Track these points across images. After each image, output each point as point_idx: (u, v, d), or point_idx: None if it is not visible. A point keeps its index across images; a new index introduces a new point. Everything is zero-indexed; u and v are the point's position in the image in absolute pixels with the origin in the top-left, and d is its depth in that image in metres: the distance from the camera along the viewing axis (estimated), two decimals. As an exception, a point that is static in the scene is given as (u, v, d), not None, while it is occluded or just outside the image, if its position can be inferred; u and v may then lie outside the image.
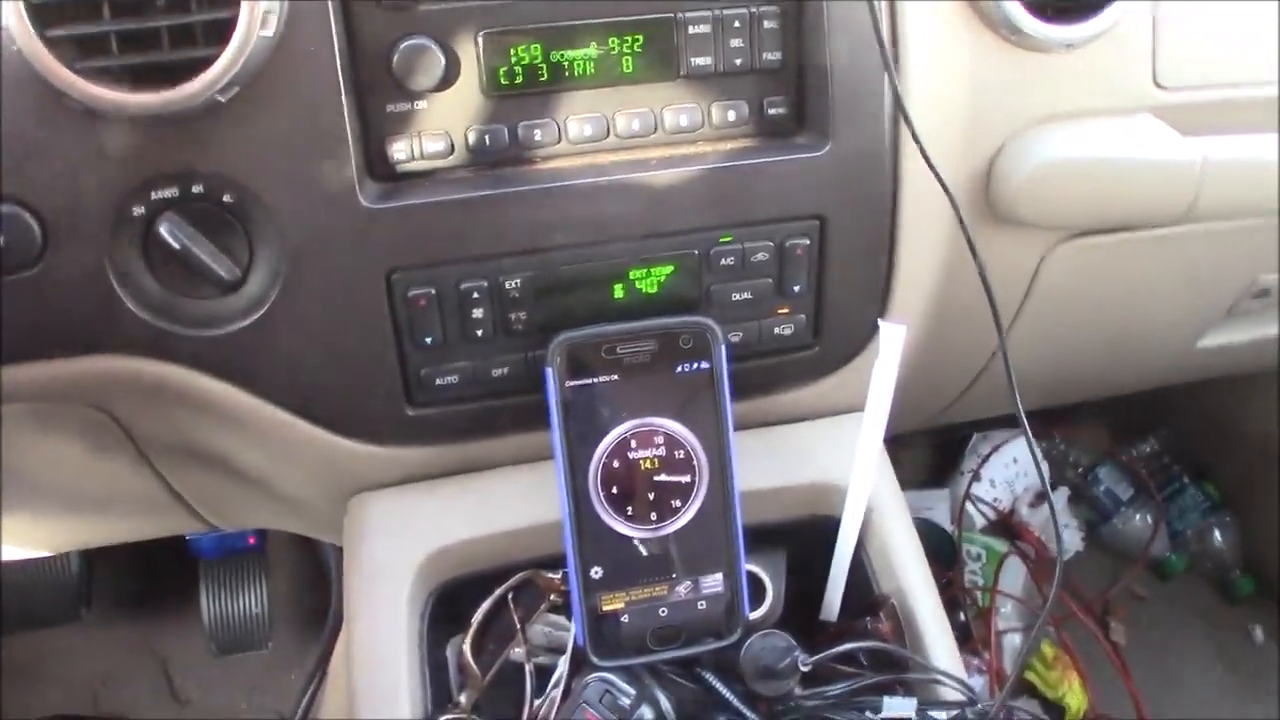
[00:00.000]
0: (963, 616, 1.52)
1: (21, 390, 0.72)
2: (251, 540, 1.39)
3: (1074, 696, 1.49)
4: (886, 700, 0.73)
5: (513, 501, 0.80)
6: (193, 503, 0.93)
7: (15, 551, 0.99)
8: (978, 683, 1.45)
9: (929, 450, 1.80)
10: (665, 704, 0.68)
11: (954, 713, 0.74)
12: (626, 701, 0.69)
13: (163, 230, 0.67)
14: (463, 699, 0.78)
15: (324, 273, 0.70)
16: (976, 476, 1.68)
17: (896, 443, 1.68)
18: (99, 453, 0.84)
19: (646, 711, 0.68)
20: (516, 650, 0.82)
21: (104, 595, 1.57)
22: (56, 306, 0.68)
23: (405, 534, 0.79)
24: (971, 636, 1.50)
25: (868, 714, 0.74)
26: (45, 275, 0.67)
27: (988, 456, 1.68)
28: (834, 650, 0.73)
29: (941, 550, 1.59)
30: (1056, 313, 0.99)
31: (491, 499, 0.80)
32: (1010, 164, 0.83)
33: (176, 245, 0.67)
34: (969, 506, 1.66)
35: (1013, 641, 1.56)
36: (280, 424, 0.75)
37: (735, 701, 0.74)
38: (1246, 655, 1.66)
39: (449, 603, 0.80)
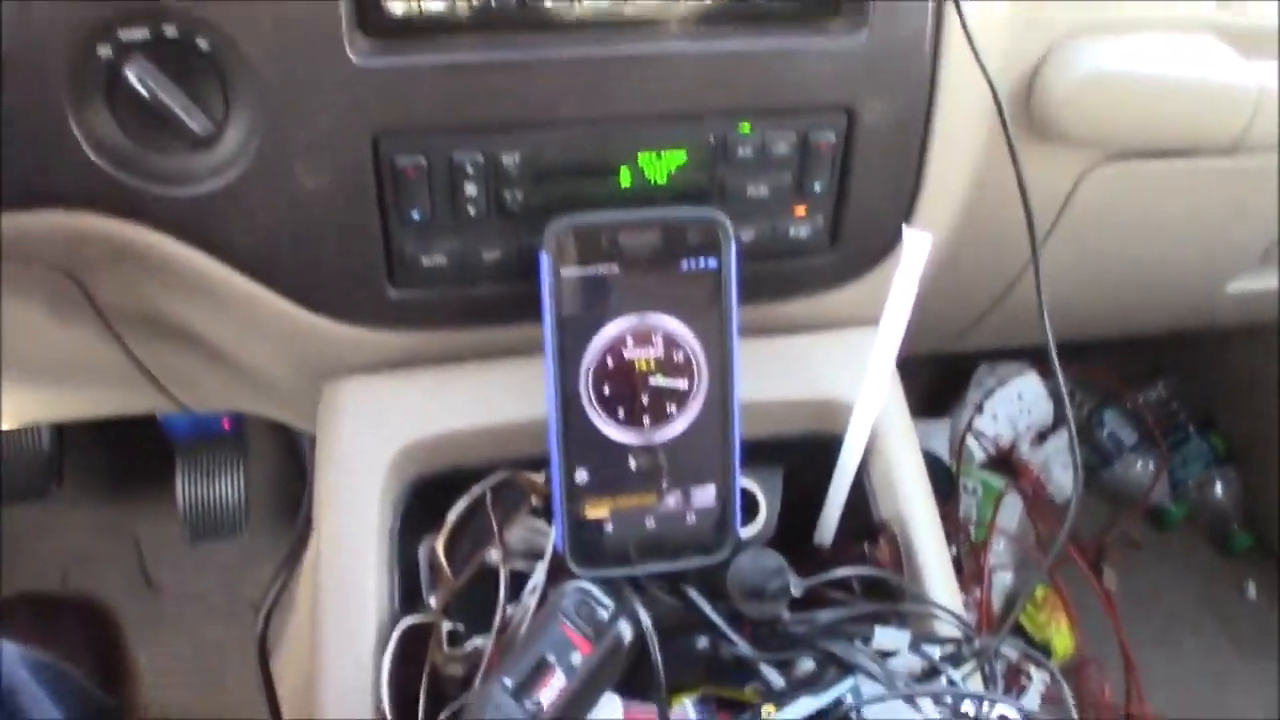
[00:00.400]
0: (955, 551, 1.49)
1: (-22, 247, 0.67)
2: (226, 425, 1.35)
3: (1061, 638, 1.47)
4: (879, 630, 0.70)
5: (497, 396, 0.75)
6: (162, 379, 0.88)
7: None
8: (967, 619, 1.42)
9: (932, 379, 1.75)
10: (646, 620, 0.64)
11: (949, 648, 0.70)
12: (605, 615, 0.64)
13: (130, 74, 0.61)
14: (433, 601, 0.74)
15: (305, 133, 0.64)
16: (979, 410, 1.63)
17: (900, 368, 1.64)
18: (62, 320, 0.79)
19: (625, 627, 0.63)
20: (492, 553, 0.78)
21: (76, 474, 1.54)
22: (14, 152, 0.62)
23: (380, 423, 0.74)
24: (963, 571, 1.47)
25: (857, 643, 0.70)
26: (1, 116, 0.61)
27: (993, 390, 1.64)
28: (829, 574, 0.69)
29: (938, 483, 1.53)
30: (1085, 241, 0.94)
31: (475, 392, 0.75)
32: (1057, 73, 0.77)
33: (144, 92, 0.61)
34: (969, 440, 1.62)
35: (1003, 579, 1.53)
36: (251, 297, 0.69)
37: (719, 621, 0.70)
38: (1238, 610, 1.64)
39: (424, 500, 0.76)
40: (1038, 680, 1.41)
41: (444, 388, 0.76)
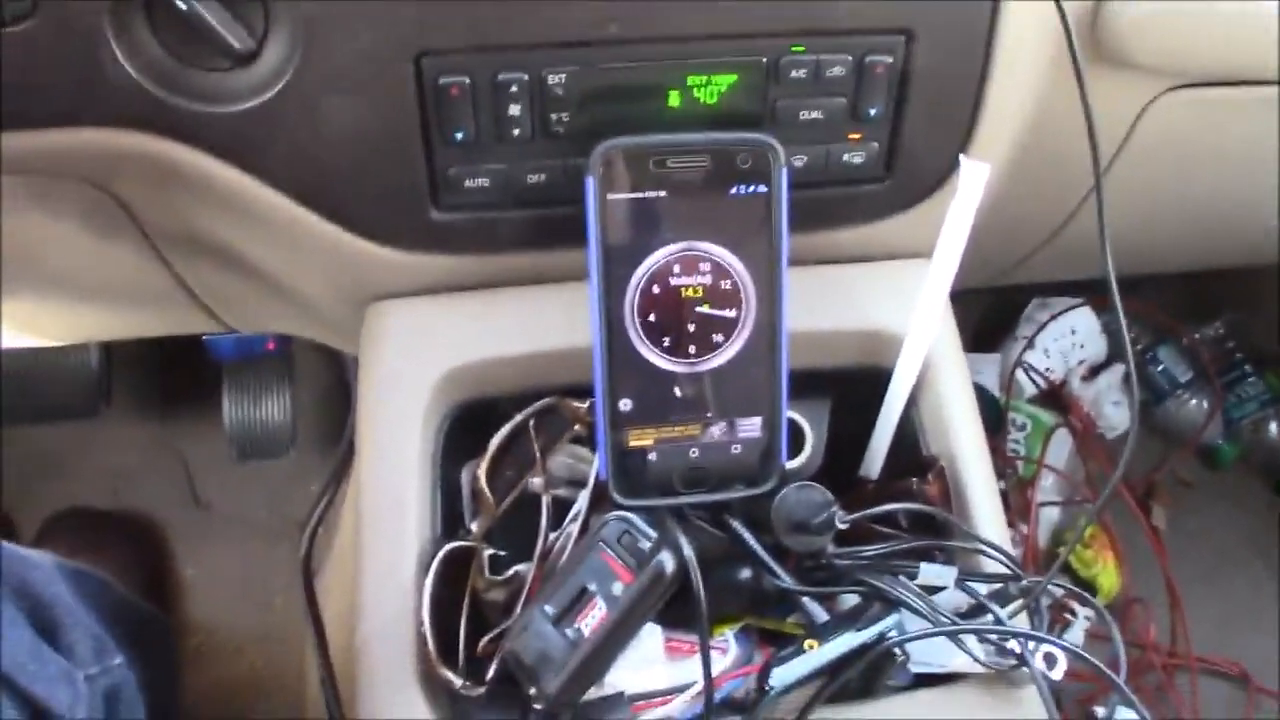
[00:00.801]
0: (1002, 486, 1.47)
1: (18, 161, 0.66)
2: (271, 345, 1.35)
3: (1107, 576, 1.45)
4: (924, 566, 0.69)
5: (542, 322, 0.74)
6: (205, 299, 0.88)
7: (20, 339, 0.95)
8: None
9: (983, 312, 1.72)
10: (688, 551, 0.63)
11: (996, 586, 0.69)
12: (646, 545, 0.64)
13: (169, -14, 0.60)
14: (474, 526, 0.74)
15: (346, 50, 0.62)
16: (1030, 344, 1.60)
17: (952, 301, 1.61)
18: (103, 238, 0.78)
19: (667, 558, 0.63)
20: (535, 480, 0.77)
21: (125, 393, 1.55)
22: (54, 66, 0.62)
23: (423, 347, 0.73)
24: (1009, 507, 1.45)
25: (902, 578, 0.69)
26: (41, 29, 0.60)
27: (1045, 324, 1.60)
28: (876, 509, 0.68)
29: (987, 416, 1.51)
30: (1148, 171, 0.90)
31: (519, 317, 0.74)
32: (1126, -6, 0.74)
33: (184, 5, 0.60)
34: (1019, 374, 1.59)
35: (1050, 515, 1.51)
36: (292, 218, 0.69)
37: (763, 554, 0.70)
38: (1288, 553, 1.61)
39: (467, 426, 0.76)
40: (1082, 617, 1.40)
41: (488, 313, 0.75)
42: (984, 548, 0.69)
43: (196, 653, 1.50)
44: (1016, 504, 1.45)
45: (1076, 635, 1.38)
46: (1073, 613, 1.40)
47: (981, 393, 1.54)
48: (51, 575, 0.90)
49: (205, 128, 0.64)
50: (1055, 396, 1.61)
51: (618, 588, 0.64)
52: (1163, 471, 1.62)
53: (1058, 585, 1.41)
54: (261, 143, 0.65)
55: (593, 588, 0.64)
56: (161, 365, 1.50)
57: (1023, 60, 0.71)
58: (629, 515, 0.65)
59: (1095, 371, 1.65)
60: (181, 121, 0.64)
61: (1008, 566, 0.69)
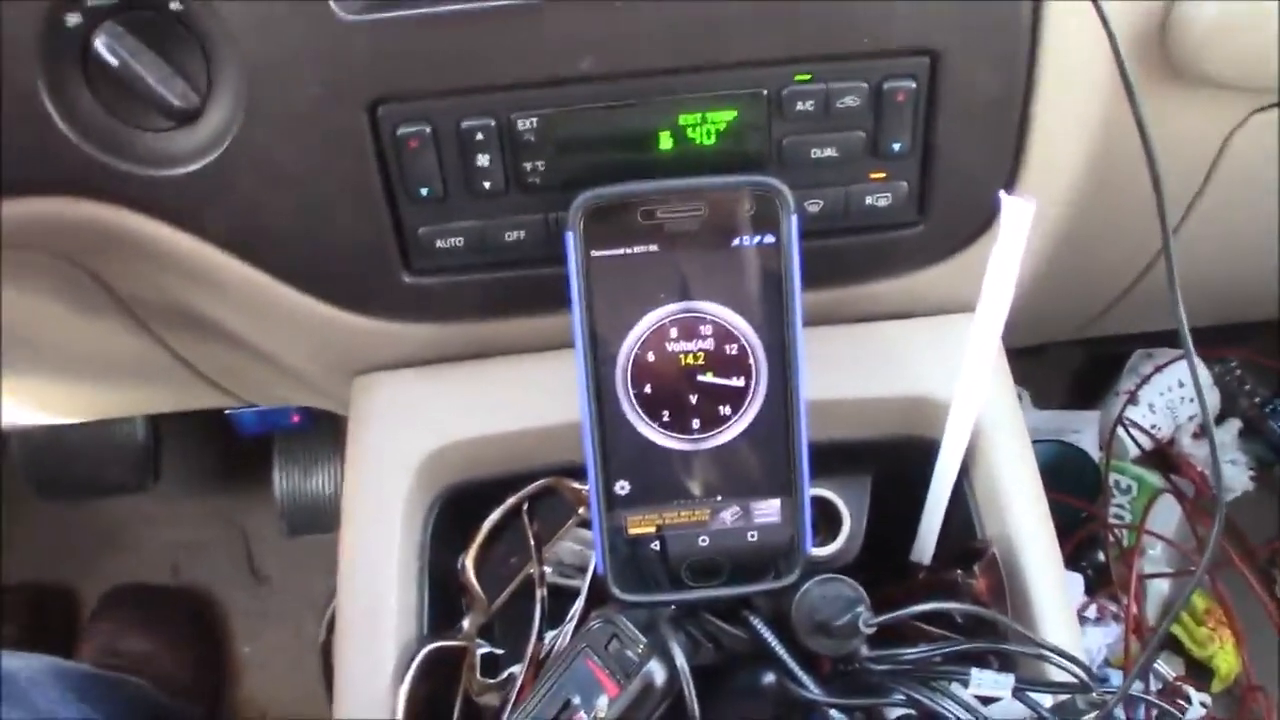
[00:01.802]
0: (1102, 556, 1.34)
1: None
2: (296, 418, 1.30)
3: (1225, 658, 1.30)
4: (975, 673, 0.58)
5: (535, 395, 0.67)
6: (205, 372, 0.83)
7: (26, 416, 0.92)
8: (1113, 632, 1.27)
9: (1079, 365, 1.59)
10: (681, 659, 0.54)
11: (1063, 696, 0.59)
12: (634, 654, 0.55)
13: (99, 44, 0.55)
14: (465, 623, 0.66)
15: (294, 101, 0.56)
16: (1133, 399, 1.46)
17: (1037, 355, 1.48)
18: (88, 313, 0.74)
19: (656, 668, 0.54)
20: (544, 569, 0.70)
21: (178, 466, 1.53)
22: (-10, 131, 0.57)
23: (405, 426, 0.67)
24: (1111, 580, 1.31)
25: (953, 687, 0.59)
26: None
27: (1149, 377, 1.46)
28: (907, 610, 0.58)
29: (1085, 480, 1.40)
30: (1243, 203, 0.79)
31: (510, 390, 0.67)
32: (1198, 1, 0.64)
33: (115, 61, 0.55)
34: (1121, 432, 1.45)
35: (1159, 589, 1.37)
36: (256, 286, 0.63)
37: (785, 657, 0.60)
38: None
39: (465, 512, 0.68)
40: (1198, 703, 1.25)
41: (478, 385, 0.68)
42: (1046, 652, 0.58)
43: (252, 734, 1.45)
44: (1119, 576, 1.31)
45: (1192, 724, 1.24)
46: (1187, 699, 1.25)
47: (1079, 454, 1.41)
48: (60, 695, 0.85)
49: (154, 192, 0.59)
50: (1163, 456, 1.47)
51: (602, 702, 0.55)
52: (1288, 538, 1.46)
53: (1170, 666, 1.28)
54: (214, 206, 0.59)
55: (576, 700, 0.56)
56: (214, 438, 1.47)
57: (1077, 77, 0.61)
58: (616, 617, 0.57)
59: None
60: (129, 187, 0.59)
61: (1075, 675, 0.58)
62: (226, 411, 1.29)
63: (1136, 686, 0.59)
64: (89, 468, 1.37)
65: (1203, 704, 1.24)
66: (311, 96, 0.56)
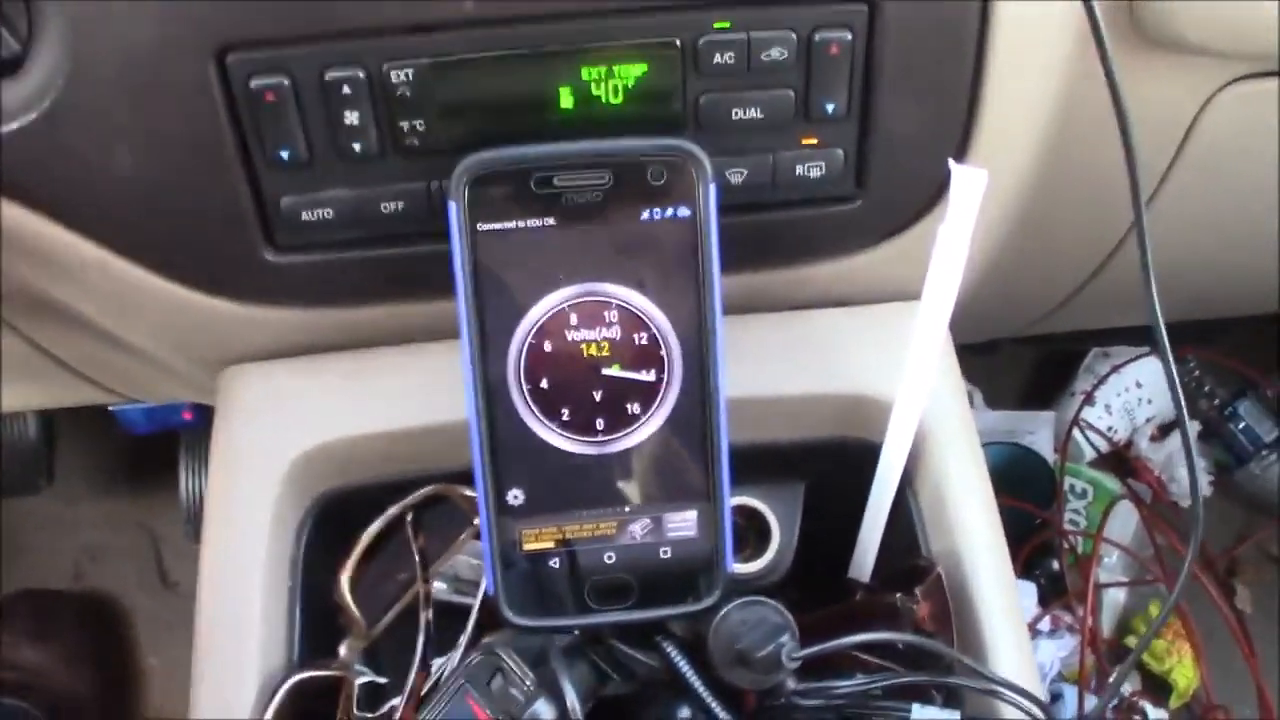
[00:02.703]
0: (1056, 565, 1.28)
1: None
2: (188, 415, 1.21)
3: (1183, 673, 1.24)
4: (916, 710, 0.52)
5: (424, 389, 0.59)
6: (71, 364, 0.74)
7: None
8: (1069, 644, 1.22)
9: (1034, 364, 1.53)
10: (573, 698, 0.47)
11: (1015, 737, 0.52)
12: (519, 693, 0.47)
13: (-102, -22, 0.46)
14: (343, 650, 0.58)
15: (127, 48, 0.48)
16: (1089, 400, 1.41)
17: (988, 353, 1.42)
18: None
19: (543, 710, 0.47)
20: (438, 585, 0.62)
21: (80, 466, 1.43)
22: None
23: (274, 425, 0.59)
24: (1065, 590, 1.25)
25: (890, 724, 0.52)
26: None
27: (1105, 377, 1.41)
28: (839, 642, 0.51)
29: (1039, 484, 1.34)
30: (1212, 186, 0.73)
31: (395, 384, 0.60)
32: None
33: (-85, -5, 0.46)
34: (1077, 434, 1.40)
35: (1114, 598, 1.31)
36: (97, 264, 0.54)
37: (701, 691, 0.54)
38: (1397, 637, 1.39)
39: (344, 523, 0.60)
40: (1154, 719, 1.19)
41: (357, 379, 0.60)
42: (996, 687, 0.51)
43: (154, 751, 1.36)
44: (1074, 586, 1.25)
45: (1148, 743, 1.18)
46: (1144, 715, 1.19)
47: (1033, 456, 1.36)
48: None
49: None
50: (1119, 459, 1.41)
51: (483, 748, 0.47)
52: (1245, 546, 1.41)
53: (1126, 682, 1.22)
54: (42, 170, 0.51)
55: (454, 746, 0.48)
56: (116, 435, 1.37)
57: (1037, 35, 0.54)
58: (501, 649, 0.50)
59: (1166, 430, 1.45)
60: None
61: (1028, 713, 0.51)
62: (111, 409, 1.20)
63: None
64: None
65: (1159, 720, 1.18)
66: (148, 42, 0.48)
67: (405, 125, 0.50)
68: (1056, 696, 1.18)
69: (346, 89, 0.49)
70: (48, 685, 1.27)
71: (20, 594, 1.37)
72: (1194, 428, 1.46)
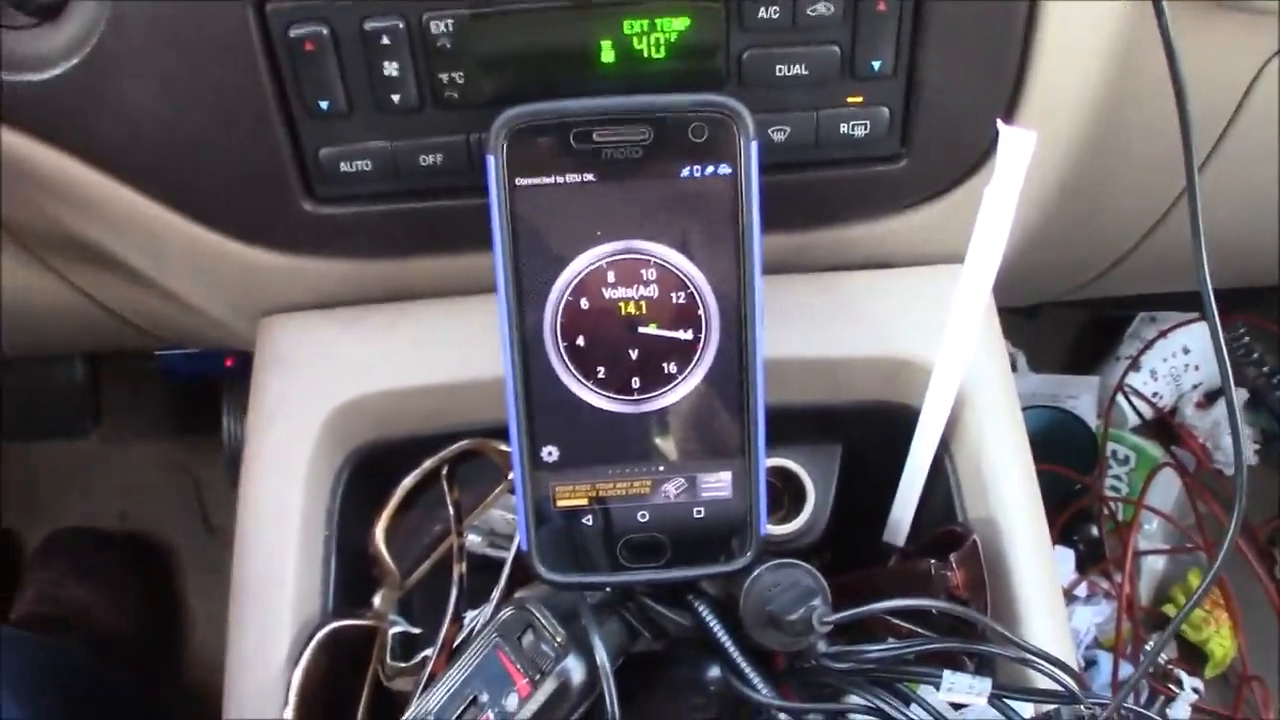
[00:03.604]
0: (1096, 531, 1.26)
1: None
2: (229, 362, 1.22)
3: (1220, 643, 1.23)
4: (948, 676, 0.51)
5: (462, 343, 0.59)
6: (114, 308, 0.75)
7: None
8: (1105, 611, 1.21)
9: (1079, 328, 1.51)
10: (603, 656, 0.47)
11: (1047, 707, 0.51)
12: (549, 648, 0.48)
13: (-56, -77, 0.46)
14: (377, 600, 0.59)
15: (169, -5, 0.48)
16: (1135, 365, 1.39)
17: (1033, 316, 1.39)
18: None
19: (574, 666, 0.47)
20: (472, 539, 0.62)
21: (124, 410, 1.44)
22: None
23: (311, 377, 0.59)
24: (1104, 556, 1.24)
25: (922, 691, 0.52)
26: None
27: (1152, 342, 1.38)
28: (871, 607, 0.50)
29: (1081, 449, 1.32)
30: (1267, 151, 0.71)
31: (433, 337, 0.60)
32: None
33: (-43, -61, 0.46)
34: (1121, 399, 1.37)
35: (1153, 566, 1.29)
36: (142, 213, 0.55)
37: (732, 650, 0.53)
38: None
39: (382, 476, 0.61)
40: (1189, 689, 1.18)
41: (395, 331, 0.60)
42: (1030, 656, 0.51)
43: (201, 691, 1.38)
44: (1113, 552, 1.24)
45: (1181, 711, 1.17)
46: (1179, 683, 1.18)
47: (1076, 421, 1.34)
48: None
49: (14, 100, 0.51)
50: (1163, 426, 1.39)
51: (512, 701, 0.48)
52: (1290, 516, 1.39)
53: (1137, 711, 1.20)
54: (82, 117, 0.51)
55: (484, 698, 0.49)
56: (162, 380, 1.39)
57: (1087, -4, 0.53)
58: (534, 605, 0.49)
59: (1211, 397, 1.43)
60: None
61: (1062, 684, 0.50)
62: (156, 353, 1.21)
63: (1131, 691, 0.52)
64: (25, 408, 1.29)
65: (1195, 689, 1.17)
66: (189, -12, 0.47)
67: (444, 77, 0.50)
68: (1091, 663, 1.18)
69: (386, 39, 0.49)
70: (92, 622, 1.29)
71: (66, 531, 1.39)
72: (1241, 395, 1.43)
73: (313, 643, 0.55)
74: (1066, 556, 1.21)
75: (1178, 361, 1.41)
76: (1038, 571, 0.55)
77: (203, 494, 1.49)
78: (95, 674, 1.03)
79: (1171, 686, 1.17)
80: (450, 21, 0.48)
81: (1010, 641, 0.51)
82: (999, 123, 0.49)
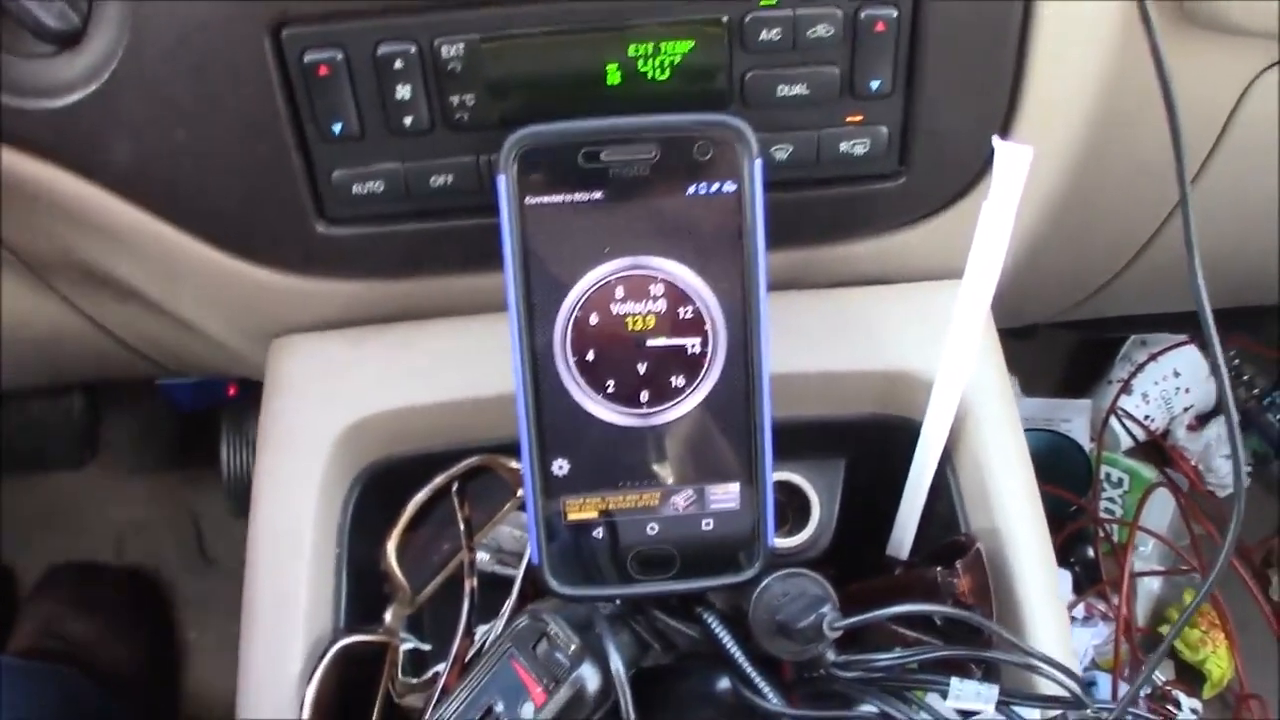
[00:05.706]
0: (1091, 552, 1.27)
1: None
2: (232, 391, 1.22)
3: (1217, 663, 1.24)
4: (955, 683, 0.52)
5: (470, 361, 0.60)
6: (121, 336, 0.76)
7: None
8: (1103, 632, 1.21)
9: (1071, 351, 1.52)
10: (617, 664, 0.48)
11: (1053, 712, 0.52)
12: (564, 656, 0.48)
13: (-35, -43, 0.48)
14: (388, 616, 0.60)
15: (185, 22, 0.49)
16: (1127, 388, 1.40)
17: (1025, 339, 1.41)
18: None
19: (588, 673, 0.48)
20: (483, 556, 0.63)
21: (121, 442, 1.45)
22: None
23: (322, 396, 0.60)
24: (1100, 578, 1.25)
25: (930, 698, 0.53)
26: None
27: (1143, 365, 1.40)
28: (880, 612, 0.51)
29: (1075, 471, 1.33)
30: (1255, 169, 0.72)
31: (442, 356, 0.61)
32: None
33: (-18, -27, 0.47)
34: (1114, 423, 1.39)
35: (1149, 587, 1.30)
36: (152, 235, 0.56)
37: (741, 660, 0.54)
38: None
39: (391, 493, 0.61)
40: (1188, 710, 1.19)
41: (405, 351, 0.61)
42: (1036, 662, 0.52)
43: (193, 725, 1.38)
44: (1109, 574, 1.25)
45: (1182, 731, 1.18)
46: (1177, 704, 1.19)
47: (1069, 444, 1.35)
48: None
49: (32, 126, 0.52)
50: (1157, 448, 1.40)
51: (528, 710, 0.49)
52: (1283, 537, 1.40)
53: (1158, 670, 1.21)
54: (100, 143, 0.52)
55: (499, 707, 0.49)
56: (159, 412, 1.39)
57: (1084, 14, 0.54)
58: (548, 615, 0.50)
59: (1203, 420, 1.44)
60: (9, 120, 0.51)
61: (1068, 689, 0.51)
62: (159, 383, 1.21)
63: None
64: (22, 441, 1.29)
65: (1193, 710, 1.18)
66: (205, 16, 0.49)
67: (455, 100, 0.51)
68: (1090, 684, 1.18)
69: (399, 63, 0.50)
70: (94, 657, 1.28)
71: (64, 566, 1.39)
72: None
73: (325, 659, 0.55)
74: (1064, 578, 1.22)
75: (1169, 384, 1.43)
76: (1042, 579, 0.56)
77: (200, 526, 1.49)
78: (98, 704, 1.03)
79: (1170, 708, 1.18)
80: (461, 46, 0.50)
81: (1016, 647, 0.52)
82: (995, 139, 0.50)
